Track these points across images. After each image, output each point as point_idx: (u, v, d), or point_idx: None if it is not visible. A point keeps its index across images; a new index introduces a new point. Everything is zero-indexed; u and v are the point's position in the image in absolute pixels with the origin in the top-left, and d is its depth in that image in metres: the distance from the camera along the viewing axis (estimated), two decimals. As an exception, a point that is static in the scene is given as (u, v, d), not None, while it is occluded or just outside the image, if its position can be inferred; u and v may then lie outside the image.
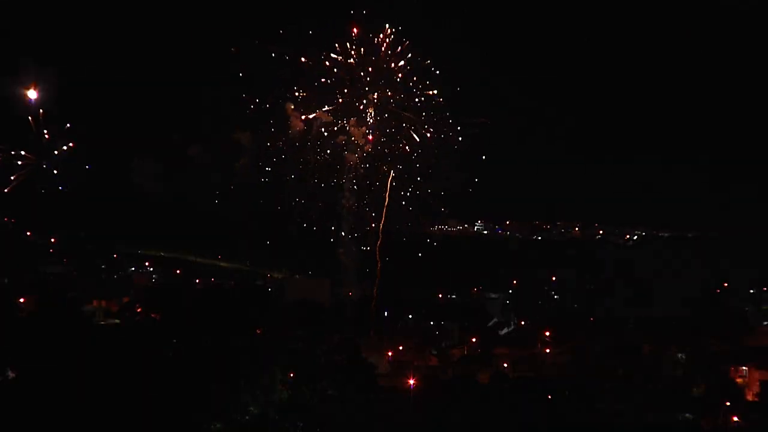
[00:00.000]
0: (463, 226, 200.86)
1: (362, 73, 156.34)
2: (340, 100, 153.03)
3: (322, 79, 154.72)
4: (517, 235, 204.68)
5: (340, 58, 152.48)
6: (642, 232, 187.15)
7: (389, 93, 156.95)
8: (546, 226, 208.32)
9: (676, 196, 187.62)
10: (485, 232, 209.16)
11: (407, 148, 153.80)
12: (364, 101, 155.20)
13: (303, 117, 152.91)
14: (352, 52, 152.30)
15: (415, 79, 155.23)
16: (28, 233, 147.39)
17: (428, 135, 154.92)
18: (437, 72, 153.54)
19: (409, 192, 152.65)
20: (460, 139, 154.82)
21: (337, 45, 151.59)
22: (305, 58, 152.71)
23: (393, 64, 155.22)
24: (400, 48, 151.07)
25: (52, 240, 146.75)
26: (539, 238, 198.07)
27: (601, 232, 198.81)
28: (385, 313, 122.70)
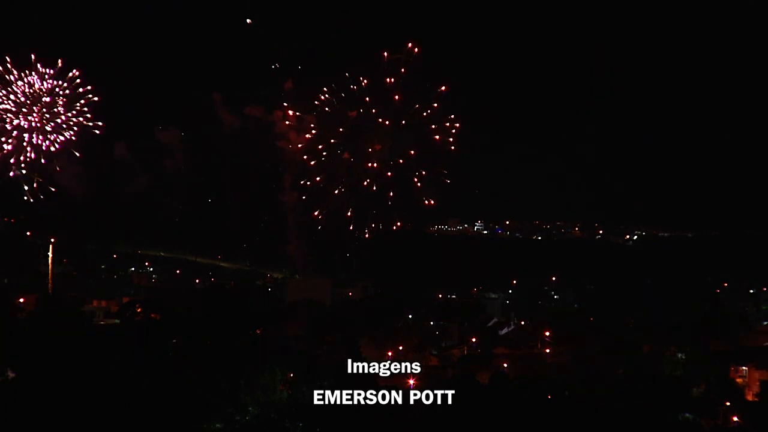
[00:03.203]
0: (463, 226, 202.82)
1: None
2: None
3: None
4: (517, 235, 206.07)
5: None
6: (642, 232, 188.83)
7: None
8: (546, 226, 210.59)
9: (676, 196, 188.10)
10: (485, 231, 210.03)
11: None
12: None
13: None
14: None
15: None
16: (28, 233, 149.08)
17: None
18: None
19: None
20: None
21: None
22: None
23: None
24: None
25: (52, 240, 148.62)
26: (539, 238, 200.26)
27: (600, 232, 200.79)
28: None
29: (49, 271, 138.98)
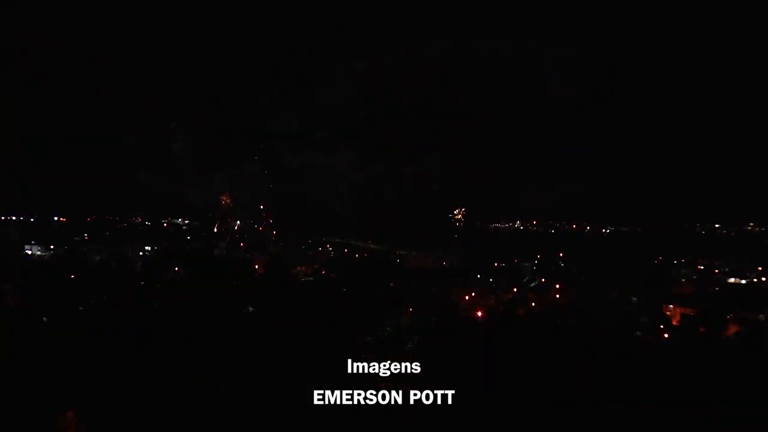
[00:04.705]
0: (509, 223, 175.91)
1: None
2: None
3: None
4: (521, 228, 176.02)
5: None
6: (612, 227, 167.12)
7: None
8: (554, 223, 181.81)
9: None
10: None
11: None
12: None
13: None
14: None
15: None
16: (260, 227, 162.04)
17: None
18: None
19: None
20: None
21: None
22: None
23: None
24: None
25: (274, 232, 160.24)
26: (552, 231, 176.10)
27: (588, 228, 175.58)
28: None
29: (271, 249, 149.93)
